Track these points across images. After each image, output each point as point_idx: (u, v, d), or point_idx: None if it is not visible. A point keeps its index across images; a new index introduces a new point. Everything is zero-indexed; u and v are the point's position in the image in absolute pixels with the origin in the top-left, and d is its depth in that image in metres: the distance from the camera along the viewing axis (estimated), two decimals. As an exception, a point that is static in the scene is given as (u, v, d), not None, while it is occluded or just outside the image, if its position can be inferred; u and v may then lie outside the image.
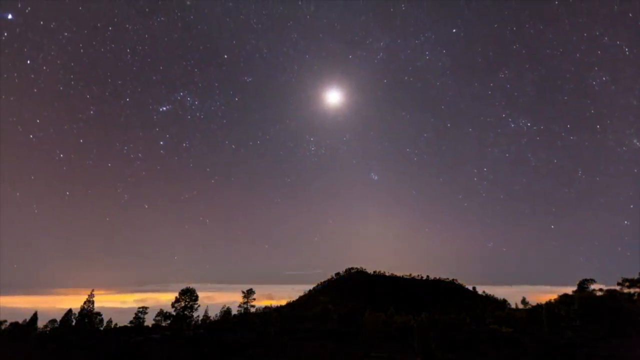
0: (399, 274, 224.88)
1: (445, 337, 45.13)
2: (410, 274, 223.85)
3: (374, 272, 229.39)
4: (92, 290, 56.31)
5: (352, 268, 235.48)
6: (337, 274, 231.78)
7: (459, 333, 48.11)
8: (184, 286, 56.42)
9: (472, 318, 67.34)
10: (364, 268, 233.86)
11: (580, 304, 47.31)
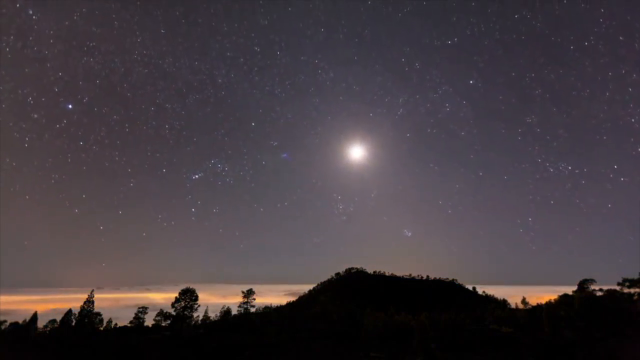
0: (399, 274, 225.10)
1: (445, 337, 45.14)
2: (410, 274, 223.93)
3: (374, 272, 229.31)
4: (92, 290, 56.26)
5: (352, 268, 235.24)
6: (337, 274, 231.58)
7: (459, 333, 48.11)
8: (183, 286, 56.47)
9: (472, 318, 67.27)
10: (364, 268, 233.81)
11: (580, 304, 47.29)
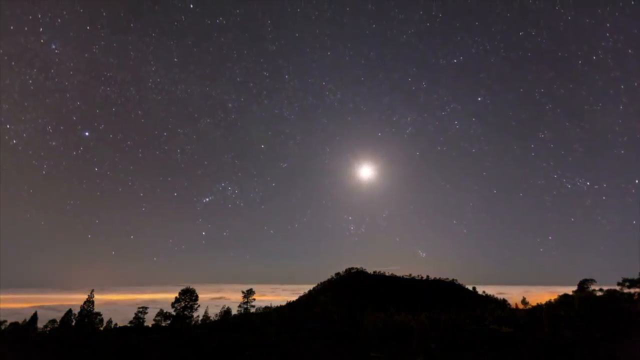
0: (399, 274, 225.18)
1: (445, 337, 45.12)
2: (410, 274, 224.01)
3: (374, 272, 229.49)
4: (92, 290, 56.29)
5: (352, 268, 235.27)
6: (337, 274, 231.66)
7: (459, 333, 48.10)
8: (184, 286, 56.49)
9: (472, 318, 67.26)
10: (364, 268, 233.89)
11: (580, 304, 47.25)
